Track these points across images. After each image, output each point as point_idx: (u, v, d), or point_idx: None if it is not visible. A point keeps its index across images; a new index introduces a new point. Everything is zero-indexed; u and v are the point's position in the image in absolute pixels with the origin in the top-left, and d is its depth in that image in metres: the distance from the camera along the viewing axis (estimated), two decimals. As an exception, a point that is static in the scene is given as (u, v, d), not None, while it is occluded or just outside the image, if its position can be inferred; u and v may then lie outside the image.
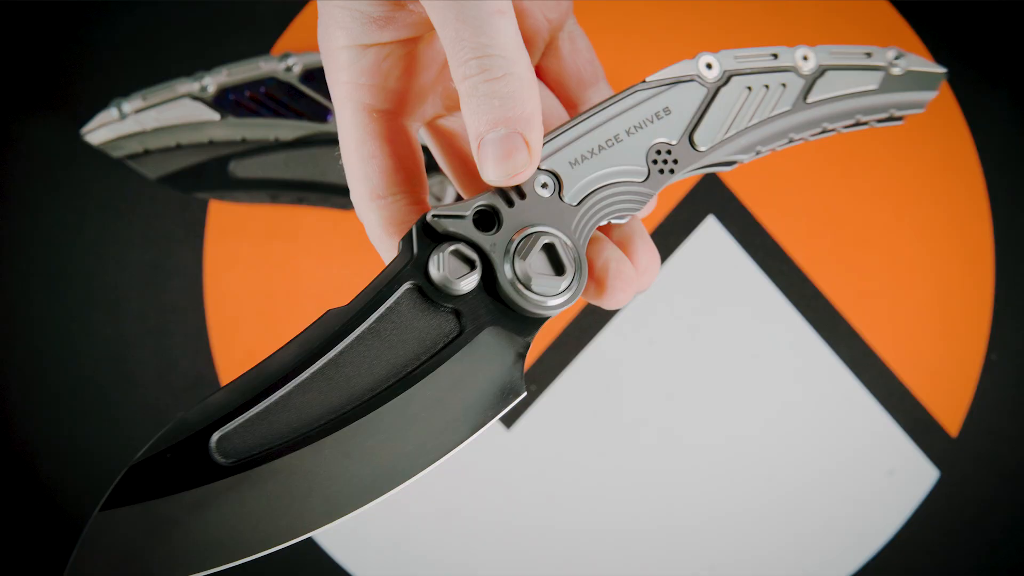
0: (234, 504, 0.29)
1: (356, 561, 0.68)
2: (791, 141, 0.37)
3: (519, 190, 0.32)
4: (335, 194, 0.66)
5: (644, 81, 0.35)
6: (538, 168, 0.33)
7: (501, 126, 0.30)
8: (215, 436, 0.29)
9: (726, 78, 0.35)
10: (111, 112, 0.64)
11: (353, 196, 0.34)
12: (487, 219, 0.32)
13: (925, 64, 0.39)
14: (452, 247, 0.31)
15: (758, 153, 0.36)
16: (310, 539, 0.68)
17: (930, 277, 0.68)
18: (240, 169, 0.66)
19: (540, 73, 0.38)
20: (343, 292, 0.71)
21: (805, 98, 0.36)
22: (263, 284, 0.69)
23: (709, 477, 0.68)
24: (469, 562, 0.68)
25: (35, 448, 0.69)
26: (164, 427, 0.29)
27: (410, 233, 0.32)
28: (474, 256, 0.31)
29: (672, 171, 0.35)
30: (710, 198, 0.68)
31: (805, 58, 0.36)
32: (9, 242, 0.69)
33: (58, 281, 0.69)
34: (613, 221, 0.34)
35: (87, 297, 0.69)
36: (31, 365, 0.69)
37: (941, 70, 0.39)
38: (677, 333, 0.68)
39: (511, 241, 0.32)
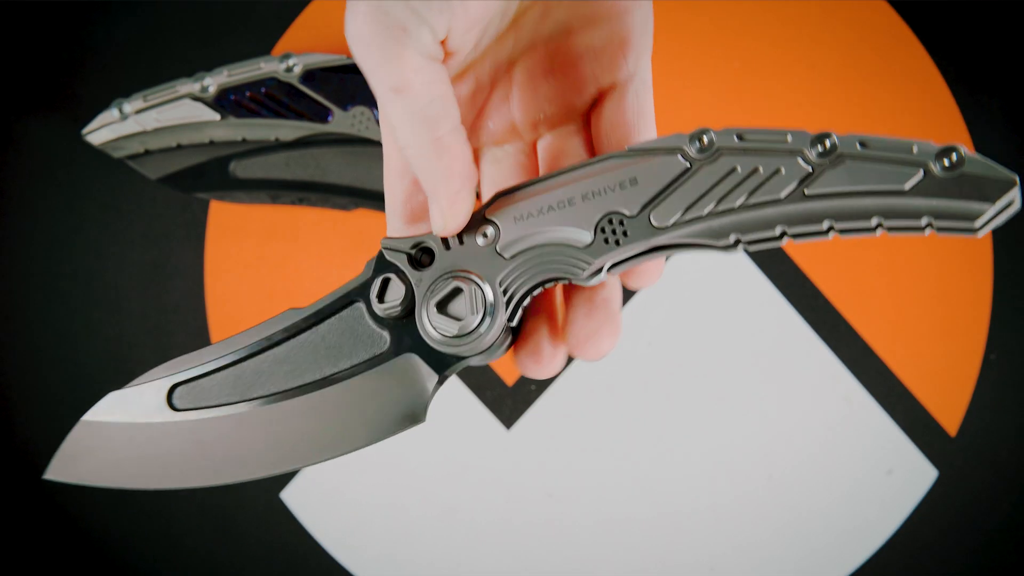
0: (176, 442, 0.36)
1: (356, 561, 0.68)
2: (783, 236, 0.32)
3: (459, 235, 0.34)
4: (335, 194, 0.67)
5: (625, 149, 0.33)
6: (485, 217, 0.34)
7: (424, 184, 0.34)
8: (175, 387, 0.36)
9: (715, 155, 0.32)
10: (112, 112, 0.64)
11: None
12: (427, 256, 0.35)
13: (988, 167, 0.30)
14: (384, 277, 0.35)
15: (738, 243, 0.32)
16: (310, 539, 0.68)
17: (929, 277, 0.68)
18: (240, 169, 0.66)
19: (587, 126, 0.38)
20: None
21: (804, 189, 0.31)
22: (263, 284, 0.69)
23: (708, 477, 0.68)
24: (469, 562, 0.68)
25: (35, 448, 0.69)
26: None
27: (375, 256, 0.36)
28: (402, 288, 0.35)
29: (618, 243, 0.33)
30: (709, 198, 0.68)
31: (822, 144, 0.31)
32: (9, 242, 0.69)
33: (58, 281, 0.69)
34: (560, 282, 0.35)
35: (87, 297, 0.69)
36: (31, 365, 0.69)
37: (1009, 176, 0.30)
38: (676, 333, 0.68)
39: (433, 280, 0.34)
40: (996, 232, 0.68)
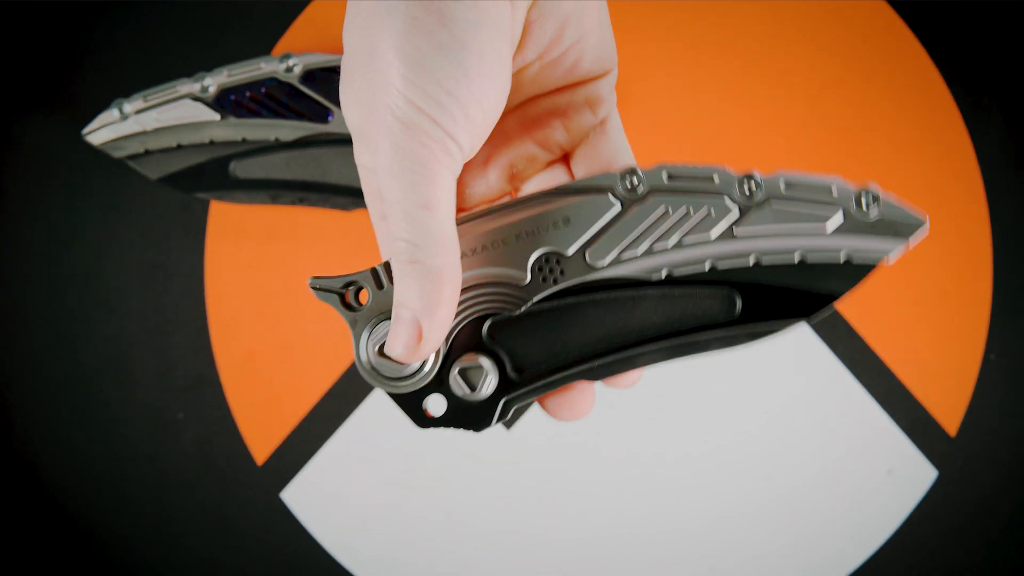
0: None
1: (356, 561, 0.68)
2: (712, 269, 0.34)
3: (391, 273, 0.35)
4: (335, 194, 0.66)
5: (556, 188, 0.34)
6: None
7: (404, 308, 0.33)
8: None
9: (645, 194, 0.34)
10: (112, 113, 0.64)
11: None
12: (359, 297, 0.35)
13: (901, 211, 0.33)
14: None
15: (668, 278, 0.34)
16: (310, 539, 0.68)
17: (929, 277, 0.68)
18: (240, 169, 0.66)
19: (567, 168, 0.38)
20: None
21: (733, 229, 0.34)
22: (263, 284, 0.69)
23: (709, 477, 0.68)
24: (468, 562, 0.68)
25: (35, 448, 0.69)
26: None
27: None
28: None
29: (556, 280, 0.34)
30: (710, 198, 0.68)
31: (748, 186, 0.33)
32: (9, 242, 0.69)
33: (58, 281, 0.69)
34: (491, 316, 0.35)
35: (87, 297, 0.69)
36: (31, 365, 0.69)
37: (918, 219, 0.33)
38: (677, 333, 0.68)
39: (370, 322, 0.35)
40: (996, 233, 0.68)
